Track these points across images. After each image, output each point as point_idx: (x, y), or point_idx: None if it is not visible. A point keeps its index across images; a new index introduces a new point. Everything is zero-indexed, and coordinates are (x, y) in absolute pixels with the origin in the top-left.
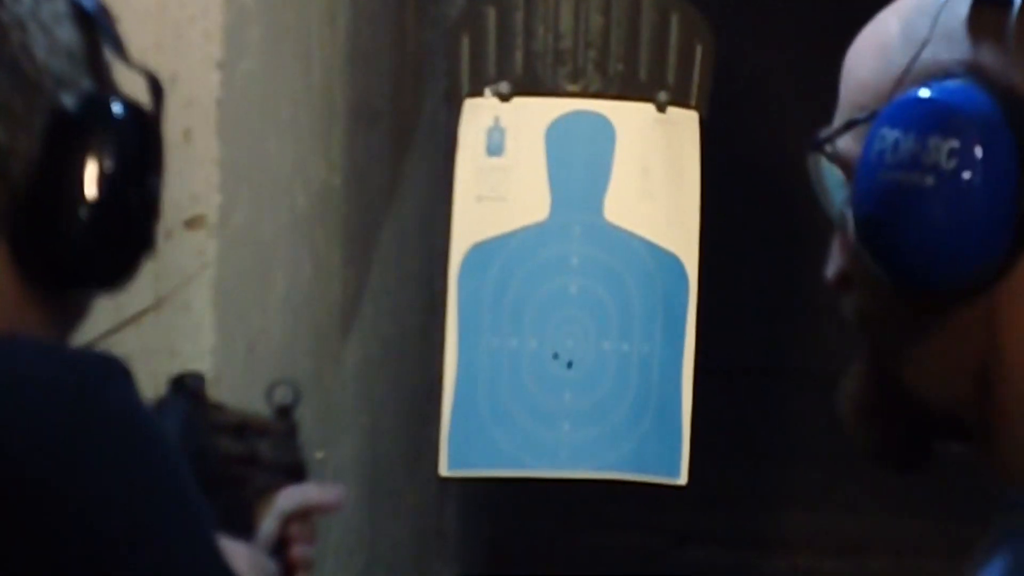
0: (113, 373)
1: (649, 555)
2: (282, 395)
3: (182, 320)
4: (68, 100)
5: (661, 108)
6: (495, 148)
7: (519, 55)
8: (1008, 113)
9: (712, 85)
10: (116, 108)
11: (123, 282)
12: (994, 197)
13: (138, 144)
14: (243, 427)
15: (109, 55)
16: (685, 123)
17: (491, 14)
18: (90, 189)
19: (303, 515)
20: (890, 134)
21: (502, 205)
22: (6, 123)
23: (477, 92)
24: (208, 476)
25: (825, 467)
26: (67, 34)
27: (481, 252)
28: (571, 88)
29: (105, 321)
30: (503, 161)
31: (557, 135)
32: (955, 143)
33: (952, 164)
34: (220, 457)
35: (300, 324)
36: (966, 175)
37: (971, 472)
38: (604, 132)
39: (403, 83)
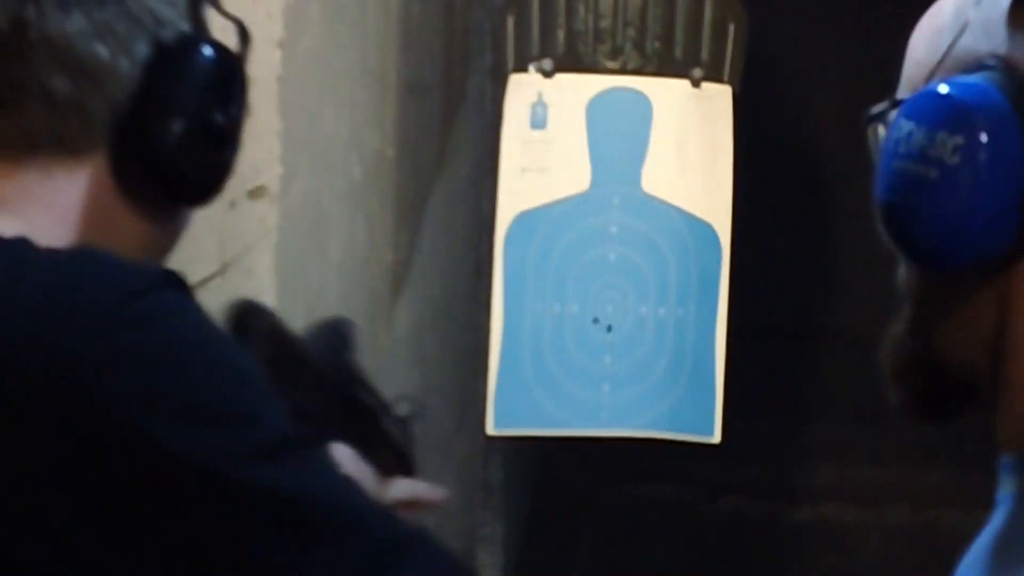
0: (157, 282)
1: (684, 506)
2: (403, 408)
3: (245, 284)
4: (167, 36)
5: (696, 84)
6: (538, 122)
7: (561, 34)
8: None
9: (744, 60)
10: (207, 47)
11: (207, 198)
12: (995, 194)
13: (224, 78)
14: (373, 388)
15: (205, 6)
16: (719, 98)
17: None
18: (181, 111)
19: (410, 505)
20: (906, 125)
21: (545, 176)
22: (110, 46)
23: (522, 69)
24: (352, 408)
25: (849, 423)
26: None
27: (525, 221)
28: (610, 65)
29: None
30: (546, 134)
31: (597, 110)
32: (960, 139)
33: (956, 160)
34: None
35: (355, 287)
36: (968, 172)
37: (989, 428)
38: (642, 107)
39: (452, 60)
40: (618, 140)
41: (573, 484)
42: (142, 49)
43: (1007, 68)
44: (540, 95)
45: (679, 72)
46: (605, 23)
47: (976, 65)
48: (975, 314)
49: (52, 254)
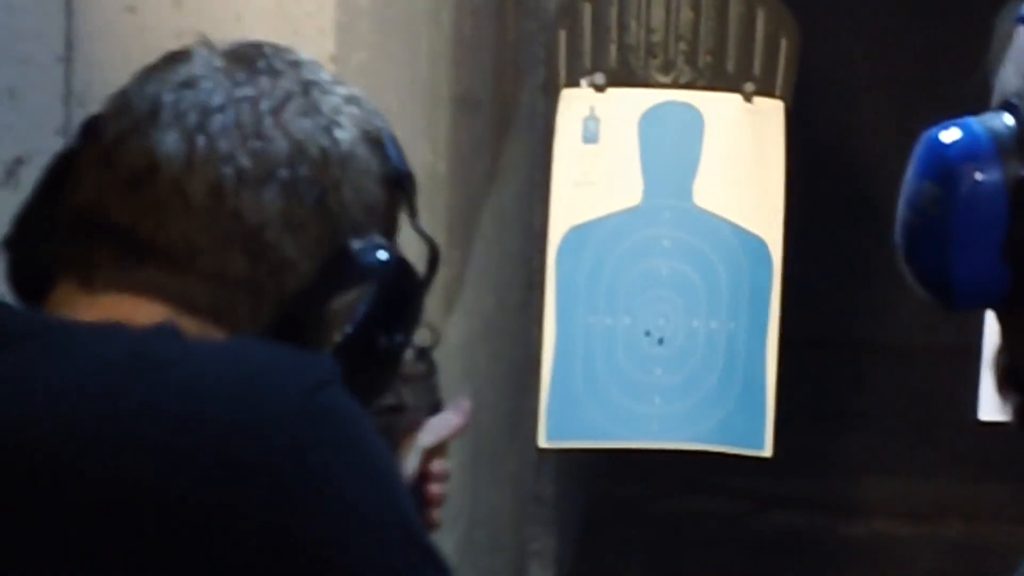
0: (336, 375)
1: (734, 519)
2: (421, 337)
3: None
4: (354, 244)
5: (748, 98)
6: (590, 136)
7: (613, 48)
8: (1015, 151)
9: (796, 75)
10: (390, 263)
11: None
12: (974, 243)
13: (396, 300)
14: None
15: (403, 217)
16: (771, 112)
17: (587, 9)
18: (344, 323)
19: (441, 450)
20: (910, 168)
21: (597, 190)
22: (298, 241)
23: (574, 83)
24: None
25: (901, 436)
26: (374, 190)
27: (578, 234)
28: (662, 80)
29: None
30: (598, 148)
31: (649, 124)
32: (938, 191)
33: (935, 211)
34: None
35: None
36: (944, 222)
37: None
38: (694, 121)
39: (503, 74)
40: (670, 154)
41: (624, 497)
42: (325, 251)
43: (1022, 110)
44: (592, 109)
45: (731, 86)
46: (657, 37)
47: (1003, 103)
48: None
49: (226, 342)
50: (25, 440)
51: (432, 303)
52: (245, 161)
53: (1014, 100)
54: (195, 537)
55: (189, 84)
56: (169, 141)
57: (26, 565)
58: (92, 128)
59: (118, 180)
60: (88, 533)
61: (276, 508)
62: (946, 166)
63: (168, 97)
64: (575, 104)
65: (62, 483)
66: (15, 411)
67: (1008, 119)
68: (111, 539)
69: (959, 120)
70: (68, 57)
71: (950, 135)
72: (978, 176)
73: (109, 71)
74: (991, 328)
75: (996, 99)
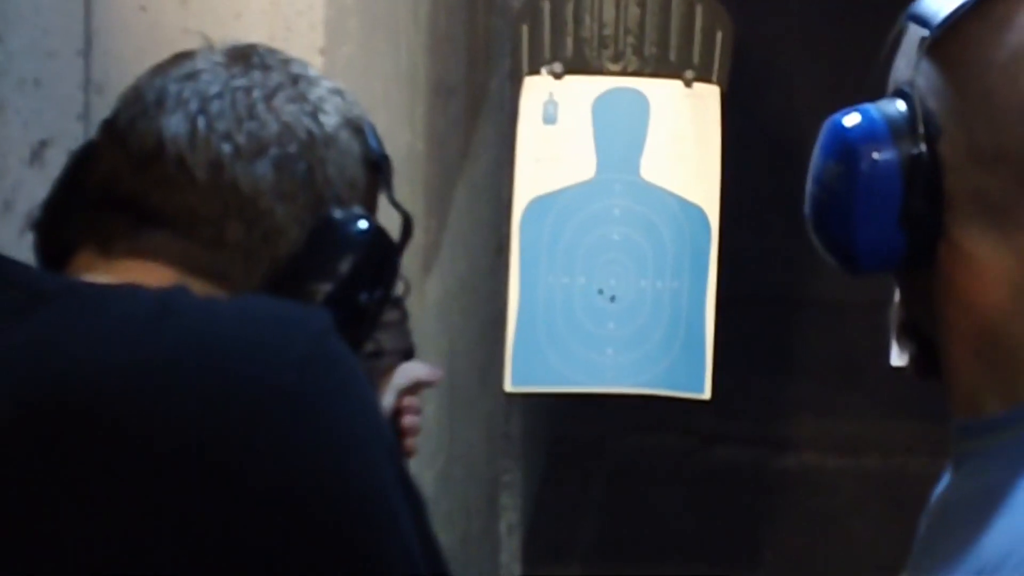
0: (333, 325)
1: (682, 453)
2: (396, 289)
3: None
4: (338, 214)
5: (688, 84)
6: (550, 118)
7: (570, 41)
8: (906, 133)
9: (731, 64)
10: (368, 231)
11: None
12: (873, 215)
13: (375, 263)
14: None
15: (382, 194)
16: (708, 96)
17: (546, 7)
18: (326, 283)
19: (413, 389)
20: (816, 149)
21: (556, 165)
22: (288, 210)
23: (535, 71)
24: None
25: (828, 380)
26: (355, 169)
27: (539, 205)
28: (613, 68)
29: None
30: (556, 129)
31: (601, 107)
32: (840, 168)
33: (838, 186)
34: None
35: None
36: (845, 196)
37: None
38: (640, 105)
39: (475, 64)
40: (619, 133)
41: (585, 436)
42: (312, 220)
43: (913, 96)
44: (551, 94)
45: (673, 73)
46: (608, 31)
47: (896, 90)
48: (918, 298)
49: (233, 298)
50: (67, 390)
51: (411, 266)
52: (241, 139)
53: (906, 88)
54: (217, 472)
55: (191, 76)
56: (173, 123)
57: (72, 509)
58: (108, 121)
59: (130, 158)
60: (128, 476)
61: (285, 442)
62: (848, 147)
63: (173, 87)
64: (536, 90)
65: (104, 427)
66: (57, 363)
67: (901, 105)
68: (147, 480)
69: (859, 106)
70: (87, 51)
71: (851, 119)
72: (875, 155)
73: (124, 63)
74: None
75: (891, 87)
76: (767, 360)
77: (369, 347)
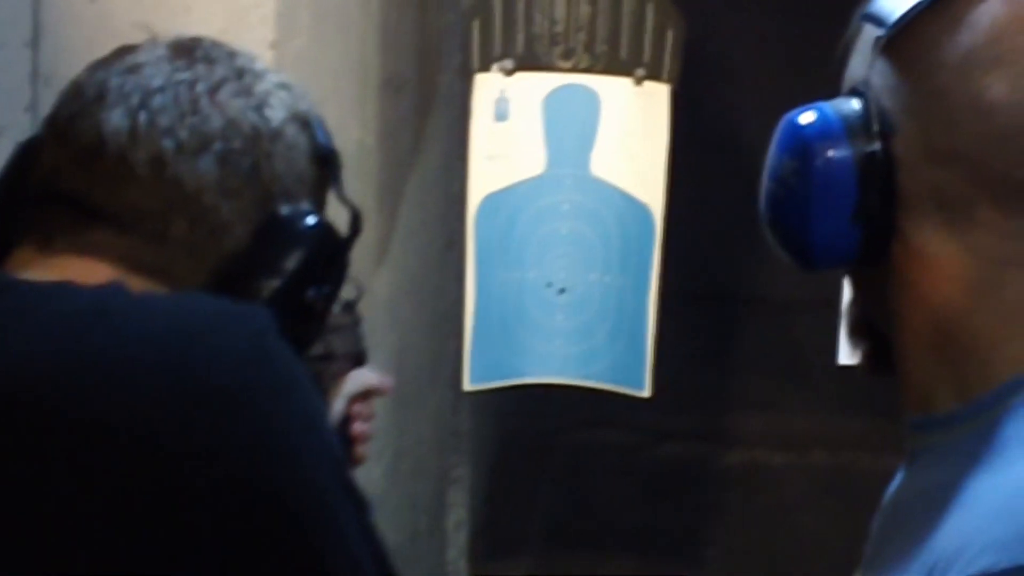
0: (274, 324)
1: (631, 449)
2: (347, 291)
3: None
4: (285, 210)
5: (638, 82)
6: (501, 115)
7: (521, 37)
8: (861, 132)
9: (681, 62)
10: (316, 226)
11: None
12: (827, 211)
13: (323, 259)
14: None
15: (330, 189)
16: (658, 94)
17: (498, 3)
18: (273, 279)
19: (364, 396)
20: (774, 147)
21: (507, 162)
22: (233, 206)
23: (486, 68)
24: None
25: (776, 377)
26: (302, 164)
27: (492, 201)
28: (564, 65)
29: None
30: (508, 125)
31: (552, 104)
32: (796, 164)
33: (794, 181)
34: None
35: None
36: (801, 192)
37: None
38: (591, 102)
39: (425, 60)
40: (570, 130)
41: (533, 431)
42: (258, 215)
43: (868, 95)
44: (502, 91)
45: (623, 71)
46: (559, 28)
47: (851, 89)
48: (872, 294)
49: (169, 296)
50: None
51: (362, 260)
52: (183, 134)
53: (861, 87)
54: (152, 468)
55: (133, 70)
56: (114, 118)
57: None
58: (50, 116)
59: (71, 154)
60: (62, 471)
61: (221, 441)
62: (803, 144)
63: (114, 81)
64: (488, 86)
65: (40, 422)
66: None
67: (855, 103)
68: (82, 474)
69: (814, 104)
70: (35, 42)
71: (806, 117)
72: (830, 153)
73: (72, 55)
74: (847, 285)
75: (846, 86)
76: (716, 357)
77: (319, 349)
